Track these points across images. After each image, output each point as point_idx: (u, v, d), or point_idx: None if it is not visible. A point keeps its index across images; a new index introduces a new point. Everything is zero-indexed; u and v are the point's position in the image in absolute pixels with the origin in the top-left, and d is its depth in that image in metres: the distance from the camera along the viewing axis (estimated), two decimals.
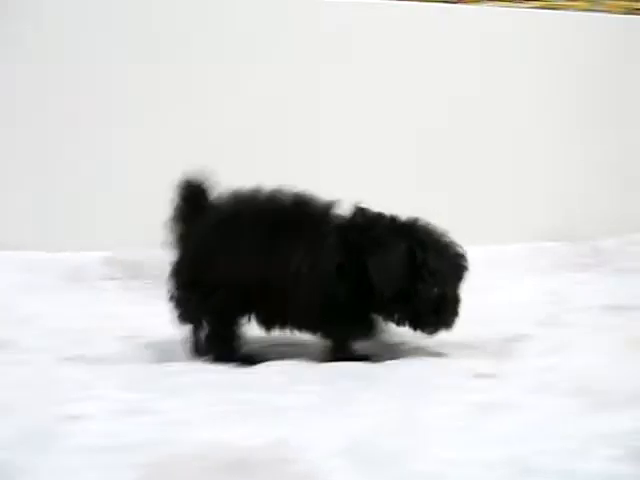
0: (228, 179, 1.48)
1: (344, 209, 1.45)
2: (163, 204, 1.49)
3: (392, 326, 1.47)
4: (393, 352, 1.51)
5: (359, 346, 1.50)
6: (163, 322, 1.49)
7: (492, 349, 1.62)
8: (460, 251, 1.45)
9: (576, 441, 0.90)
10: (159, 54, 2.50)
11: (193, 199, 1.48)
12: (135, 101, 2.49)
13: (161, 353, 1.55)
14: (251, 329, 1.48)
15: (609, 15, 2.98)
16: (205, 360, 1.43)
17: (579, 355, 1.47)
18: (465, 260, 1.46)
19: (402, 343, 1.56)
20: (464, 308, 1.78)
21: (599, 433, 0.94)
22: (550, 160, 2.85)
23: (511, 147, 2.82)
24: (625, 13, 3.06)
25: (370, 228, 1.37)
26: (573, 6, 3.05)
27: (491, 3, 2.85)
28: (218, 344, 1.44)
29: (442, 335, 1.49)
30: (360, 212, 1.41)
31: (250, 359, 1.42)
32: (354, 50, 2.68)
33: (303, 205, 1.43)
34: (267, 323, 1.44)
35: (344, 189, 1.39)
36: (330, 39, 2.64)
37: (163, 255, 1.51)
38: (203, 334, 1.45)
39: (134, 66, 2.49)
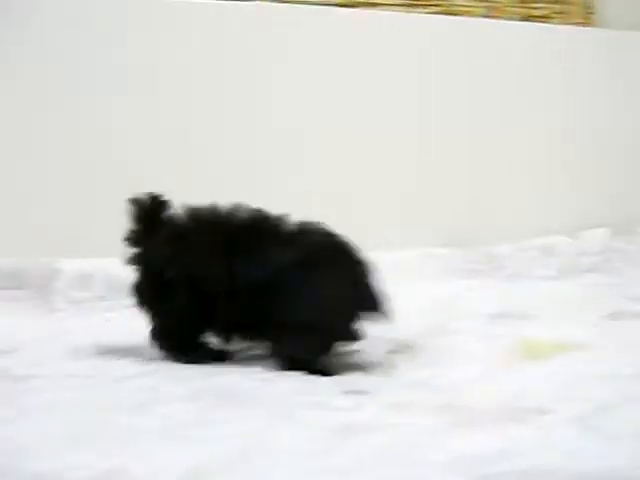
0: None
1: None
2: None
3: None
4: None
5: None
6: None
7: (371, 362, 1.57)
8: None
9: (418, 469, 0.86)
10: None
11: (147, 218, 1.54)
12: None
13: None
14: None
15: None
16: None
17: (454, 368, 1.44)
18: None
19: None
20: None
21: (445, 459, 0.89)
22: (441, 166, 2.83)
23: (399, 152, 2.79)
24: (521, 19, 3.09)
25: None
26: (470, 12, 3.07)
27: None
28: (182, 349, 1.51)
29: None
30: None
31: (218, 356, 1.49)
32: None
33: (258, 220, 1.47)
34: (225, 334, 1.50)
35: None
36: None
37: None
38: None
39: None
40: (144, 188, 2.28)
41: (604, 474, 0.85)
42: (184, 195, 1.53)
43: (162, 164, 2.46)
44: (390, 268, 2.61)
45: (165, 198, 1.55)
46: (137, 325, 2.03)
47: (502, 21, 3.02)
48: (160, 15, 2.48)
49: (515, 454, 0.92)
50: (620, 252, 3.00)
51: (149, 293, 1.53)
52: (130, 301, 2.31)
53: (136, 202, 1.55)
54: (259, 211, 1.48)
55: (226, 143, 2.56)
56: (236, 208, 1.49)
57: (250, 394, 1.29)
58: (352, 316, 1.44)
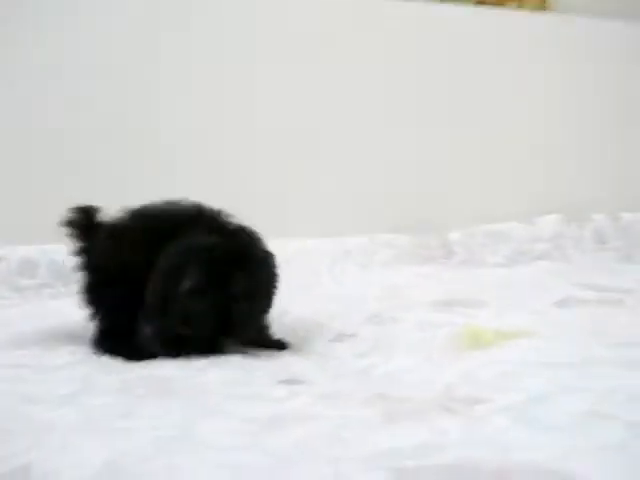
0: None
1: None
2: None
3: None
4: None
5: None
6: None
7: (312, 350, 1.55)
8: None
9: (340, 464, 0.83)
10: None
11: (82, 222, 1.61)
12: None
13: None
14: None
15: None
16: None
17: (392, 357, 1.42)
18: None
19: None
20: (294, 305, 1.76)
21: (368, 453, 0.87)
22: (392, 149, 2.81)
23: (348, 136, 2.76)
24: (475, 4, 3.07)
25: None
26: None
27: None
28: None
29: None
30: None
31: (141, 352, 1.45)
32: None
33: (193, 213, 1.50)
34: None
35: None
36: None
37: None
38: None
39: None
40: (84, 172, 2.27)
41: (537, 466, 0.83)
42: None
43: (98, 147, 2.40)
44: (339, 255, 2.62)
45: (94, 205, 1.61)
46: (82, 313, 2.01)
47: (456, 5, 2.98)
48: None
49: (442, 447, 0.90)
50: (572, 239, 3.00)
51: (92, 294, 1.58)
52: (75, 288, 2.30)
53: (69, 213, 1.61)
54: (197, 205, 1.52)
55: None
56: (173, 203, 1.52)
57: (182, 385, 1.25)
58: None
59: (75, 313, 1.95)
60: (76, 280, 2.10)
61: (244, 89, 2.64)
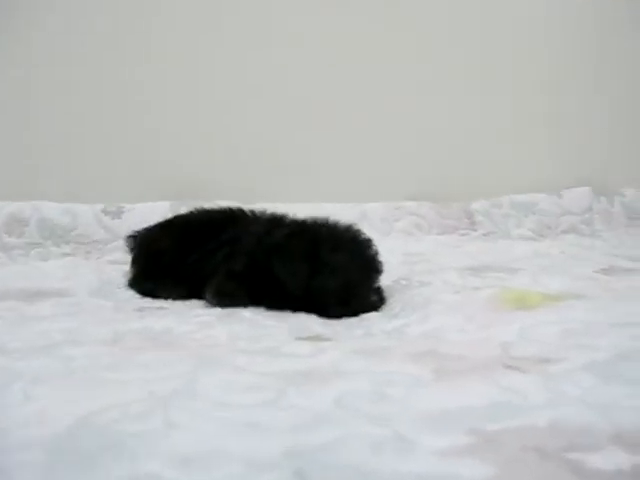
0: None
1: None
2: None
3: None
4: None
5: None
6: None
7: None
8: (364, 240, 1.50)
9: (395, 424, 0.62)
10: None
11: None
12: None
13: None
14: None
15: None
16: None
17: (428, 317, 1.21)
18: (371, 250, 1.48)
19: None
20: None
21: (427, 413, 0.66)
22: (416, 114, 2.60)
23: (375, 102, 2.56)
24: None
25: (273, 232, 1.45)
26: None
27: None
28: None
29: None
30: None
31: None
32: None
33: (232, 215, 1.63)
34: None
35: None
36: None
37: None
38: None
39: None
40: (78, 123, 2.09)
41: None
42: None
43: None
44: (358, 222, 2.40)
45: None
46: (72, 273, 1.81)
47: None
48: None
49: (525, 407, 0.70)
50: (601, 213, 2.79)
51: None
52: (67, 249, 2.11)
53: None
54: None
55: None
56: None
57: (181, 339, 1.04)
58: None
59: (66, 275, 1.77)
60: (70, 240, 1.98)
61: (263, 52, 2.43)
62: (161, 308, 1.36)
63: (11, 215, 2.10)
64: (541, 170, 2.77)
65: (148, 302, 1.44)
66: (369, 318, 1.30)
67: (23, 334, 1.06)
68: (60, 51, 2.25)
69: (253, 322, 1.20)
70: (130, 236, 1.72)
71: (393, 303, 1.41)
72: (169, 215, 1.88)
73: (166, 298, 1.49)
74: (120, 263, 1.77)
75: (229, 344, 0.99)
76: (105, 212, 2.19)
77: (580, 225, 2.71)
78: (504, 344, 0.99)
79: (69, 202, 2.19)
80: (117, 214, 2.19)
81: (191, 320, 1.18)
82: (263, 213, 1.60)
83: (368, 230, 2.34)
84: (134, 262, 1.66)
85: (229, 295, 1.37)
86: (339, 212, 2.34)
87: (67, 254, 2.08)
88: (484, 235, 2.54)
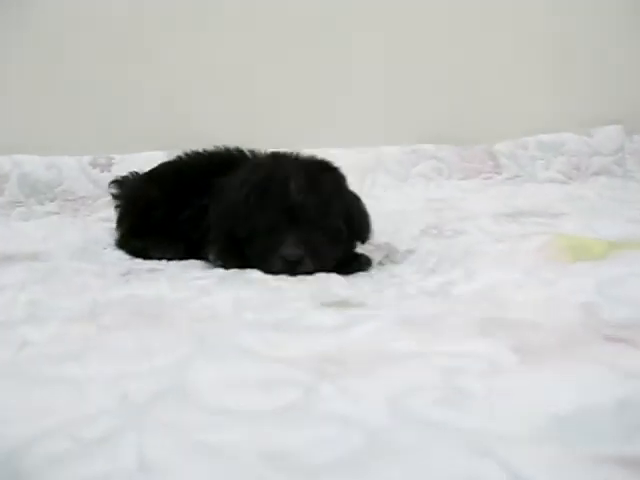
0: None
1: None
2: None
3: None
4: None
5: None
6: None
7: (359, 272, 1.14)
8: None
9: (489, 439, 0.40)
10: None
11: None
12: None
13: None
14: None
15: None
16: None
17: (474, 272, 0.99)
18: None
19: None
20: None
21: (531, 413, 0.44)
22: (434, 56, 2.36)
23: (388, 43, 2.32)
24: None
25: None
26: None
27: None
28: None
29: None
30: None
31: None
32: None
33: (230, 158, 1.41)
34: None
35: None
36: None
37: None
38: None
39: None
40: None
41: None
42: None
43: None
44: (372, 167, 2.18)
45: None
46: (53, 234, 1.60)
47: None
48: None
49: None
50: (634, 154, 2.56)
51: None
52: (52, 207, 1.89)
53: None
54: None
55: None
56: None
57: (173, 310, 0.82)
58: None
59: (46, 235, 1.56)
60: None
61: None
62: (152, 270, 1.14)
63: None
64: (568, 107, 2.54)
65: (138, 264, 1.23)
66: (400, 274, 1.08)
67: None
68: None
69: (263, 284, 0.98)
70: (115, 181, 1.55)
71: (425, 255, 1.19)
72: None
73: (159, 258, 1.28)
74: (111, 221, 1.56)
75: (233, 316, 0.76)
76: (93, 164, 1.98)
77: (612, 166, 2.49)
78: (586, 306, 0.77)
79: (53, 155, 1.98)
80: (106, 166, 1.98)
81: (188, 285, 0.97)
82: (264, 154, 1.36)
83: (384, 176, 2.16)
84: (121, 218, 1.47)
85: (234, 255, 1.16)
86: (352, 157, 2.14)
87: (52, 212, 1.88)
88: (509, 179, 2.32)
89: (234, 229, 1.18)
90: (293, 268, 1.10)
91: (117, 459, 0.42)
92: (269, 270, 1.10)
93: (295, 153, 1.29)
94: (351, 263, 1.19)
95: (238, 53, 2.16)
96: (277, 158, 1.28)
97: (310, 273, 1.09)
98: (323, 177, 1.21)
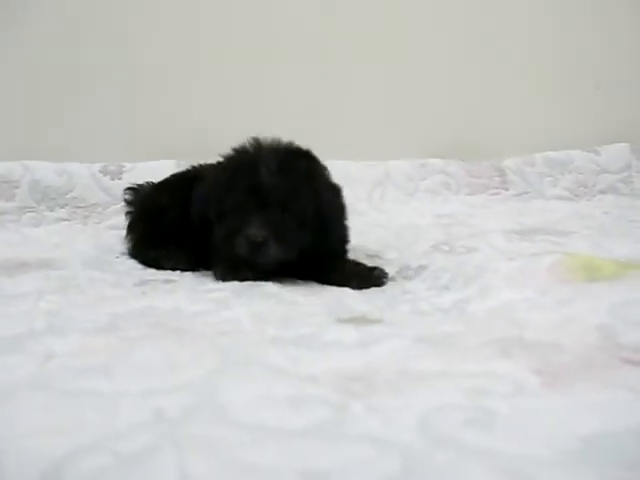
0: None
1: None
2: None
3: None
4: None
5: None
6: None
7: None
8: None
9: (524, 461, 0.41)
10: None
11: None
12: None
13: None
14: None
15: None
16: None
17: (488, 290, 1.00)
18: None
19: None
20: None
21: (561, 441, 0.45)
22: (444, 71, 2.36)
23: (399, 57, 2.32)
24: None
25: None
26: None
27: None
28: None
29: None
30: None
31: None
32: None
33: None
34: None
35: None
36: None
37: None
38: None
39: None
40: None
41: None
42: None
43: None
44: (380, 181, 2.19)
45: None
46: (65, 241, 1.61)
47: None
48: None
49: None
50: None
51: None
52: (62, 213, 1.89)
53: None
54: None
55: None
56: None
57: (193, 323, 0.82)
58: None
59: (59, 243, 1.57)
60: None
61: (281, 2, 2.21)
62: (167, 281, 1.15)
63: (0, 176, 1.89)
64: (575, 125, 2.54)
65: (152, 274, 1.24)
66: (413, 290, 1.09)
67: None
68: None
69: (278, 298, 0.99)
70: (130, 188, 1.55)
71: (437, 271, 1.20)
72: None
73: (172, 269, 1.28)
74: (121, 228, 1.56)
75: (255, 330, 0.77)
76: (104, 172, 1.98)
77: (618, 184, 2.49)
78: (602, 327, 0.78)
79: (64, 161, 1.97)
80: (117, 174, 1.98)
81: (204, 297, 0.97)
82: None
83: (392, 190, 2.17)
84: (131, 227, 1.47)
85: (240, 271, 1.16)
86: (360, 170, 2.15)
87: (62, 219, 1.89)
88: (516, 195, 2.33)
89: (207, 212, 1.19)
90: (257, 250, 1.11)
91: (157, 475, 0.43)
92: (232, 252, 1.13)
93: (278, 139, 1.28)
94: (367, 277, 1.19)
95: (251, 66, 2.17)
96: (256, 143, 1.27)
97: (272, 266, 1.12)
98: (296, 162, 1.22)
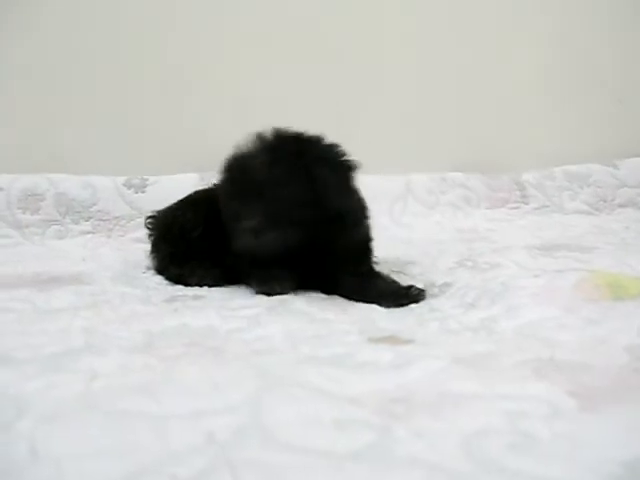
0: None
1: None
2: None
3: None
4: None
5: None
6: None
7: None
8: None
9: None
10: None
11: None
12: None
13: None
14: None
15: None
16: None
17: (515, 308, 1.01)
18: None
19: None
20: None
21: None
22: (464, 84, 2.37)
23: (419, 70, 2.33)
24: None
25: None
26: None
27: None
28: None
29: None
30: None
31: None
32: None
33: None
34: None
35: None
36: None
37: None
38: None
39: None
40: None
41: None
42: None
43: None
44: (402, 192, 2.20)
45: None
46: (92, 255, 1.63)
47: None
48: None
49: None
50: None
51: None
52: (87, 226, 1.91)
53: None
54: None
55: None
56: None
57: (228, 341, 0.84)
58: None
59: (85, 256, 1.59)
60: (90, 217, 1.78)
61: (298, 14, 2.22)
62: (197, 297, 1.16)
63: (25, 190, 1.91)
64: (594, 138, 2.55)
65: (180, 290, 1.25)
66: (439, 308, 1.10)
67: (35, 336, 0.86)
68: (75, 17, 2.04)
69: (309, 316, 1.00)
70: (150, 217, 1.54)
71: (463, 288, 1.20)
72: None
73: (200, 285, 1.30)
74: (145, 242, 1.58)
75: (290, 349, 0.78)
76: (127, 185, 1.99)
77: (638, 198, 2.49)
78: (631, 348, 0.79)
79: (88, 174, 1.99)
80: (140, 187, 1.99)
81: (235, 314, 0.98)
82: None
83: (413, 203, 2.18)
84: (155, 246, 1.47)
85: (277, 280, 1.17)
86: (381, 184, 2.16)
87: (87, 232, 1.90)
88: (536, 209, 2.33)
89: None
90: (256, 238, 1.13)
91: None
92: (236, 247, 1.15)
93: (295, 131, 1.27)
94: (403, 295, 1.19)
95: (271, 81, 2.18)
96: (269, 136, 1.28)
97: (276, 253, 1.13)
98: (285, 146, 1.23)
